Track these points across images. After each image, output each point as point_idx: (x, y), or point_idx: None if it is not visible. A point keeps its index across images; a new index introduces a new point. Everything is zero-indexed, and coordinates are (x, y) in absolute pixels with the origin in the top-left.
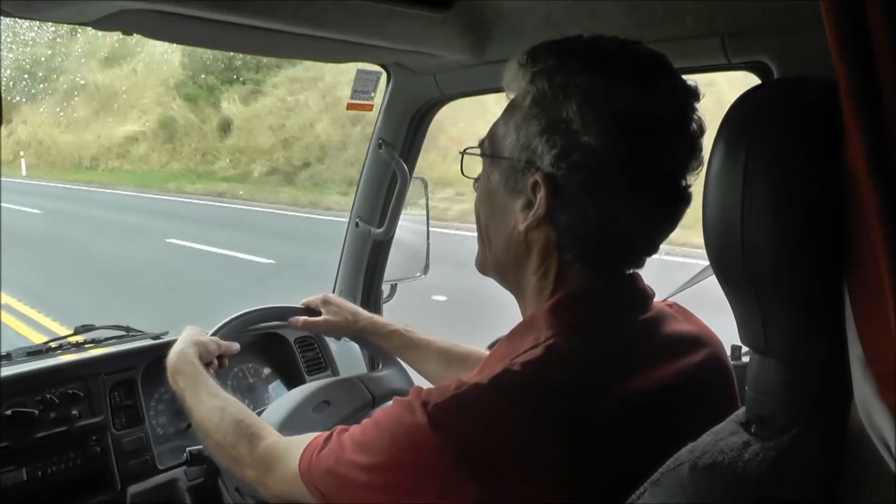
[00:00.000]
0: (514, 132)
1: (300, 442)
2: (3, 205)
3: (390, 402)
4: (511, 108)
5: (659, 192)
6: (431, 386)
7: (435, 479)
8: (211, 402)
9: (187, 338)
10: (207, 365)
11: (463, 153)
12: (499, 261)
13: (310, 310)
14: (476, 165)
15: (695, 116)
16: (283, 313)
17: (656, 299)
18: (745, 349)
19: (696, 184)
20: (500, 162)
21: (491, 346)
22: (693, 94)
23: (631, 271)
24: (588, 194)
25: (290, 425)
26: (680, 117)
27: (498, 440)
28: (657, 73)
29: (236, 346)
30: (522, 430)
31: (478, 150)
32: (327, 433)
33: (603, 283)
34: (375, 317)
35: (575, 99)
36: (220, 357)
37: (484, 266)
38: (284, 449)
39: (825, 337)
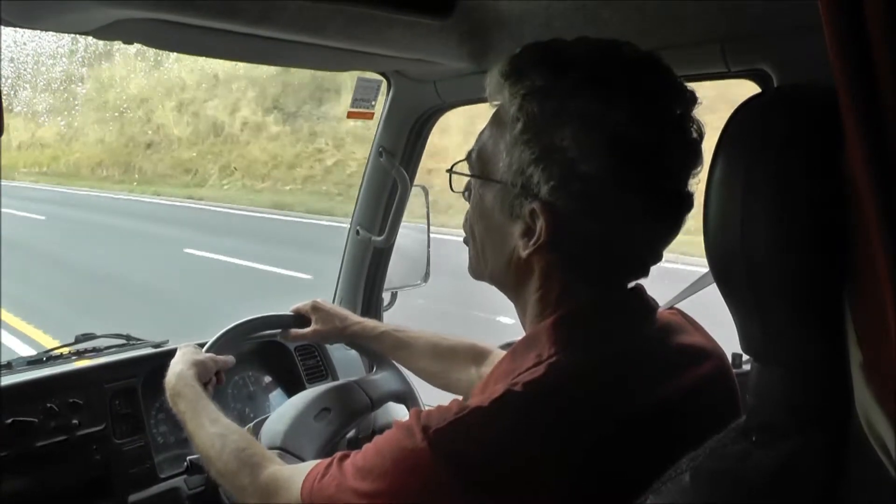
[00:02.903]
0: (506, 155)
1: (302, 470)
2: None
3: (389, 405)
4: (499, 125)
5: (662, 204)
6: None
7: None
8: (212, 429)
9: (185, 358)
10: (206, 384)
11: (450, 171)
12: (497, 277)
13: (300, 316)
14: (463, 168)
15: (693, 121)
16: (275, 322)
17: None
18: (745, 357)
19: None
20: (493, 184)
21: (505, 347)
22: (690, 99)
23: (633, 284)
24: (590, 219)
25: (292, 436)
26: (678, 125)
27: (502, 462)
28: (652, 82)
29: (232, 359)
30: (526, 450)
31: (466, 167)
32: (328, 460)
33: (606, 299)
34: (365, 320)
35: (569, 125)
36: (217, 373)
37: (479, 274)
38: (286, 477)
39: (826, 344)
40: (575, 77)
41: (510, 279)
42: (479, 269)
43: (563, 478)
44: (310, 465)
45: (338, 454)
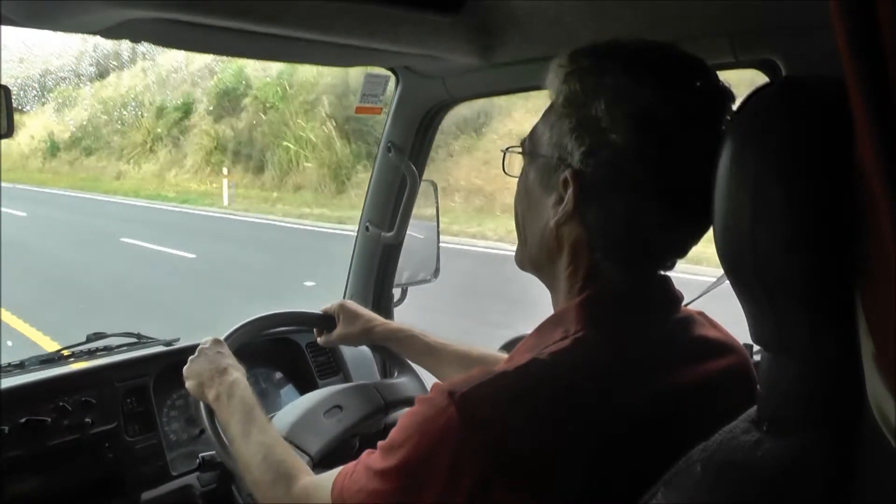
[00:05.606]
0: (549, 130)
1: (332, 473)
2: None
3: (404, 411)
4: (549, 108)
5: (688, 193)
6: None
7: (467, 473)
8: (259, 438)
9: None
10: None
11: (505, 151)
12: (533, 256)
13: (328, 316)
14: (518, 164)
15: (727, 117)
16: (302, 318)
17: None
18: (756, 348)
19: None
20: (537, 159)
21: (502, 348)
22: (726, 95)
23: (662, 274)
24: (616, 192)
25: (300, 428)
26: (709, 117)
27: (522, 423)
28: (689, 74)
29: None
30: (546, 415)
31: (519, 149)
32: (356, 461)
33: (633, 283)
34: (390, 322)
35: (604, 97)
36: None
37: (522, 262)
38: (318, 483)
39: (837, 333)
40: (615, 60)
41: (543, 255)
42: (521, 255)
43: (579, 445)
44: (340, 469)
45: (365, 451)
